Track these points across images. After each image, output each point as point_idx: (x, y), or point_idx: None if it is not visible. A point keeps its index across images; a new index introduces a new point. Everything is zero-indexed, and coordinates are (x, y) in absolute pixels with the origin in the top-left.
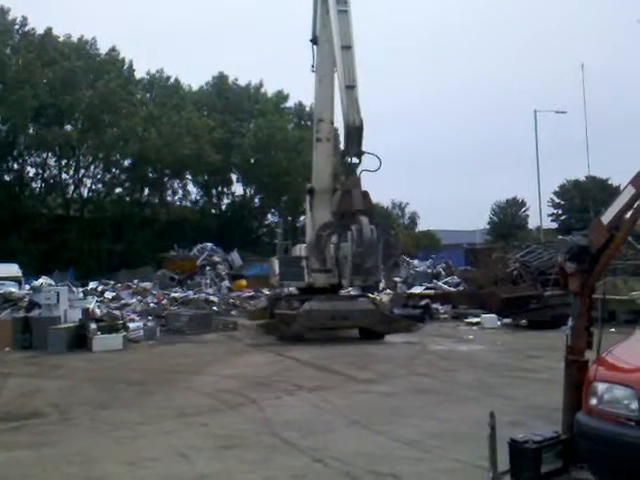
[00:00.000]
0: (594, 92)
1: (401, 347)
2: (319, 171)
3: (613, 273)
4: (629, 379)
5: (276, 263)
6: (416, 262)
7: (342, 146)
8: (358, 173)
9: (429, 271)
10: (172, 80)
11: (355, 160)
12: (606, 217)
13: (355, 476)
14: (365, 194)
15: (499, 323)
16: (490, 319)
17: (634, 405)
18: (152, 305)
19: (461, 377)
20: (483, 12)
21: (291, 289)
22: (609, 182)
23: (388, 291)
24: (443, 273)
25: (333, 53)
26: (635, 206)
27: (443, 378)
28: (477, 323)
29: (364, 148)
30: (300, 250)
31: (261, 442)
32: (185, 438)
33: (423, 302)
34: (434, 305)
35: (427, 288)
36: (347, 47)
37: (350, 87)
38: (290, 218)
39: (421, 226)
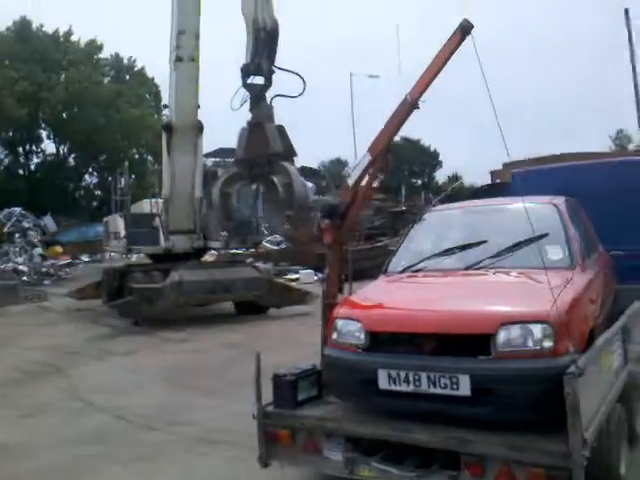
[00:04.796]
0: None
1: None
2: (180, 101)
3: None
4: (358, 314)
5: (119, 223)
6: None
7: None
8: (269, 100)
9: None
10: None
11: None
12: (351, 179)
13: (154, 427)
14: (281, 130)
15: (315, 278)
16: (307, 274)
17: (362, 336)
18: None
19: (269, 330)
20: None
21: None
22: (421, 143)
23: (213, 252)
24: (265, 232)
25: None
26: (371, 170)
27: (252, 332)
28: (296, 279)
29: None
30: (151, 206)
31: (65, 408)
32: None
33: (247, 262)
34: (257, 264)
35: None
36: None
37: None
38: (110, 178)
39: None
